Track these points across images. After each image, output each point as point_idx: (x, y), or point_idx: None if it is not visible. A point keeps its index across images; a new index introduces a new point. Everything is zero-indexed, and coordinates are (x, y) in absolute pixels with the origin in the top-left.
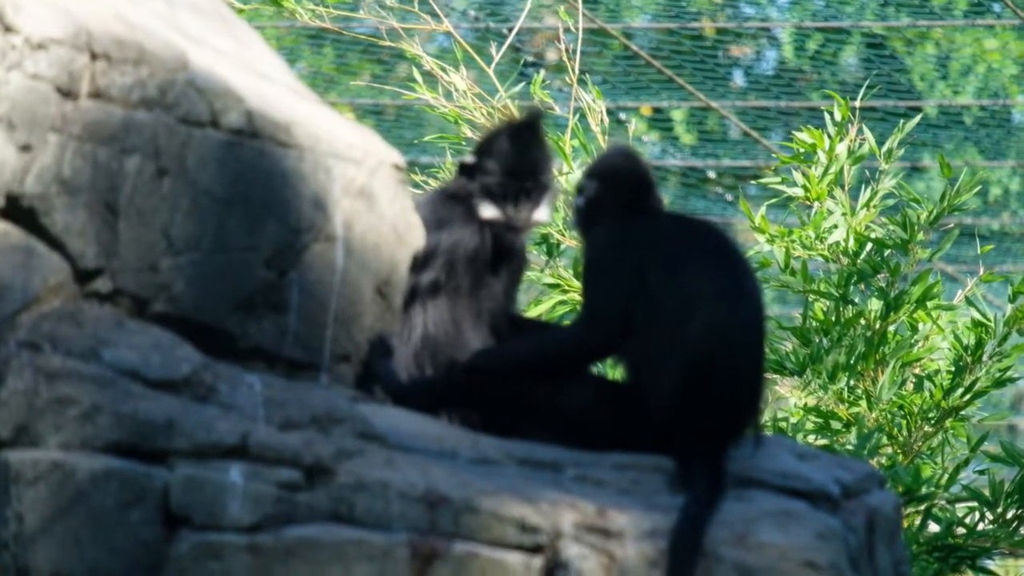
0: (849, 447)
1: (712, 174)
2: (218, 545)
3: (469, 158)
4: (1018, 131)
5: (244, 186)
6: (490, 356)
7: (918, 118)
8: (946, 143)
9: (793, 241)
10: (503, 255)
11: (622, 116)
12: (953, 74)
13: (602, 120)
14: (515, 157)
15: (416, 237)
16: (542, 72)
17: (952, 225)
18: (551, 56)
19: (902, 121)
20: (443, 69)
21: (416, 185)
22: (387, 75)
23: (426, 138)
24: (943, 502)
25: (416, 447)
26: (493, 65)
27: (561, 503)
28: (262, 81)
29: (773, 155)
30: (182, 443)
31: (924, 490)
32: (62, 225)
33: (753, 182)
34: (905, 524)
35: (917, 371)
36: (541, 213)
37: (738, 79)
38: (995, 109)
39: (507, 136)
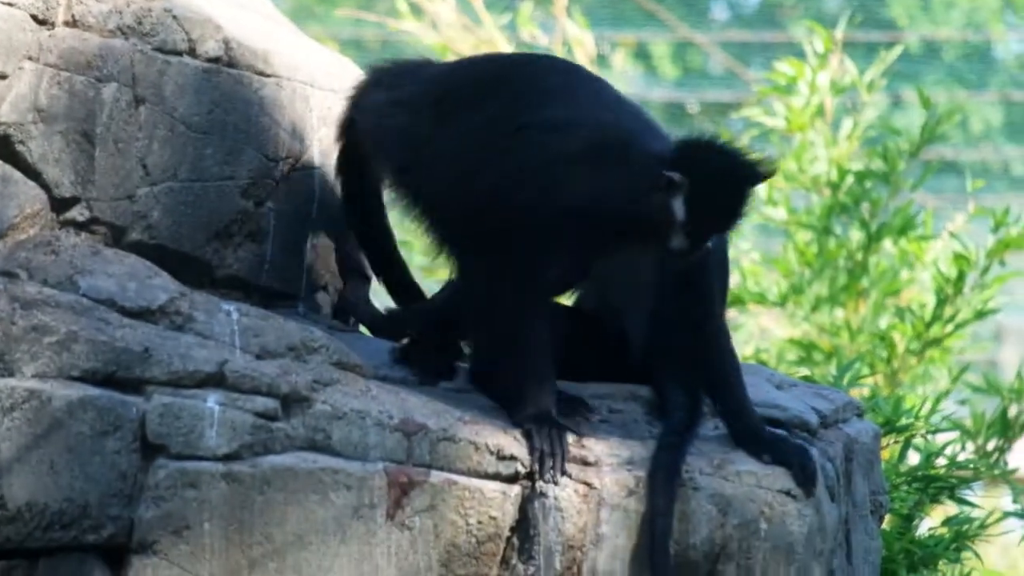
0: (830, 379)
1: (694, 107)
2: (194, 473)
3: None
4: (999, 64)
5: (221, 115)
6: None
7: (900, 49)
8: (927, 76)
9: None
10: None
11: (606, 49)
12: (936, 7)
13: (590, 51)
14: None
15: None
16: (529, 3)
17: (934, 158)
18: None
19: (883, 52)
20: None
21: None
22: (370, 6)
23: None
24: (923, 433)
25: (392, 376)
26: None
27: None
28: (240, 10)
29: (755, 88)
30: (158, 372)
31: (904, 421)
32: (38, 154)
33: (735, 115)
34: (885, 455)
35: (899, 303)
36: None
37: (720, 12)
38: (976, 43)
39: None
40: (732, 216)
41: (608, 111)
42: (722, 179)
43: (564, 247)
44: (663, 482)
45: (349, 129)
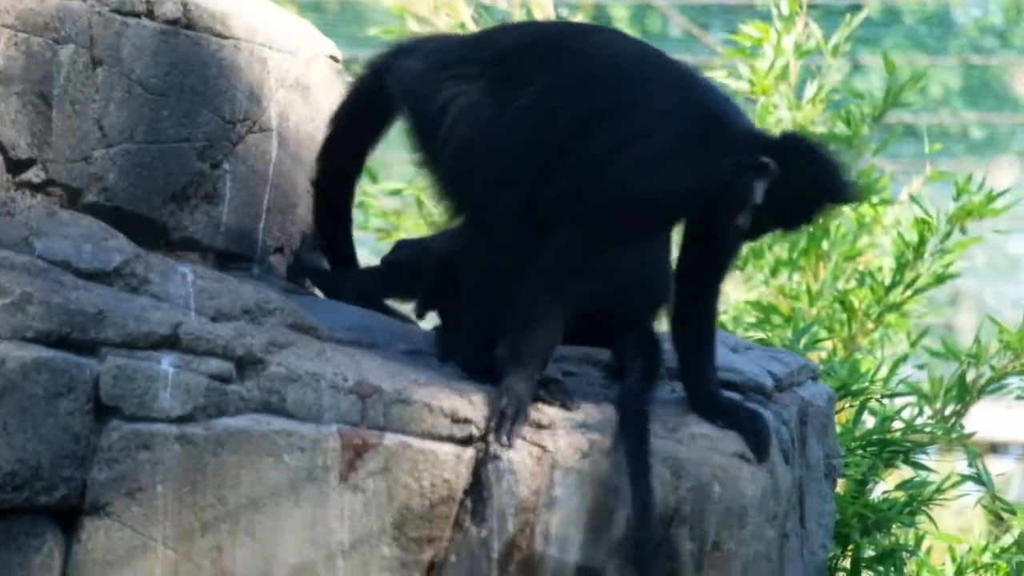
0: (788, 342)
1: None
2: (148, 435)
3: None
4: (958, 29)
5: (179, 77)
6: (408, 250)
7: (865, 12)
8: (886, 40)
9: None
10: None
11: (564, 11)
12: None
13: (548, 13)
14: None
15: None
16: None
17: (894, 122)
18: None
19: (848, 15)
20: None
21: None
22: None
23: (370, 31)
24: (879, 397)
25: (348, 339)
26: None
27: (493, 395)
28: None
29: (715, 52)
30: (113, 333)
31: (859, 385)
32: None
33: None
34: (840, 418)
35: (859, 267)
36: None
37: None
38: (936, 7)
39: None
40: (804, 220)
41: (692, 90)
42: (813, 184)
43: (654, 225)
44: (634, 450)
45: (366, 93)
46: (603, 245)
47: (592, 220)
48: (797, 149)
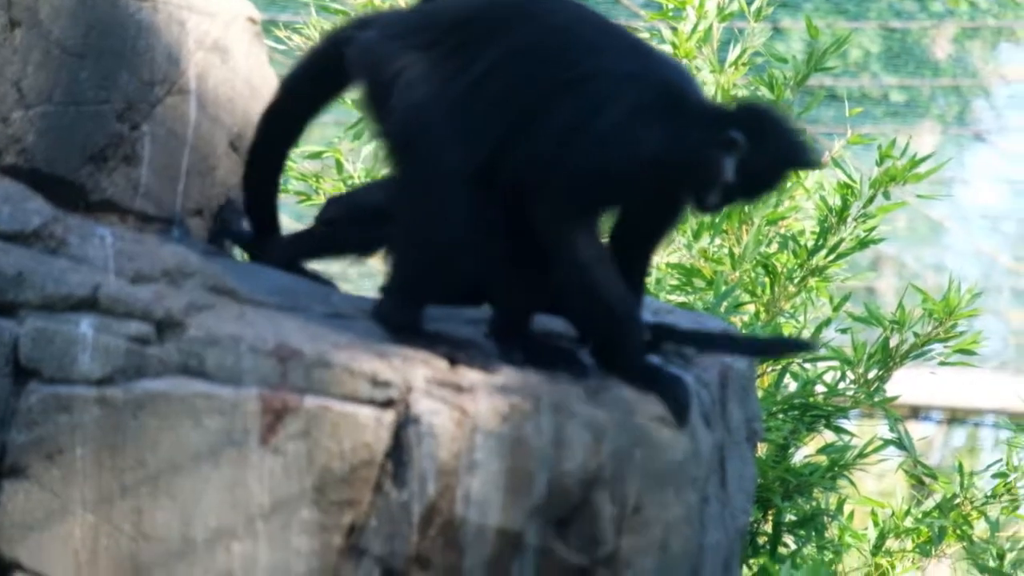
0: (710, 306)
1: None
2: (67, 398)
3: None
4: None
5: (97, 38)
6: (341, 205)
7: None
8: (807, 4)
9: None
10: None
11: None
12: None
13: None
14: None
15: (270, 90)
16: None
17: (815, 86)
18: None
19: None
20: None
21: (279, 41)
22: None
23: None
24: (800, 361)
25: (268, 302)
26: None
27: (414, 358)
28: None
29: (636, 14)
30: (32, 295)
31: None
32: None
33: None
34: (762, 382)
35: (782, 231)
36: None
37: None
38: None
39: None
40: (768, 189)
41: (651, 60)
42: (778, 154)
43: (623, 195)
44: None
45: (323, 62)
46: (576, 216)
47: (562, 191)
48: (760, 120)
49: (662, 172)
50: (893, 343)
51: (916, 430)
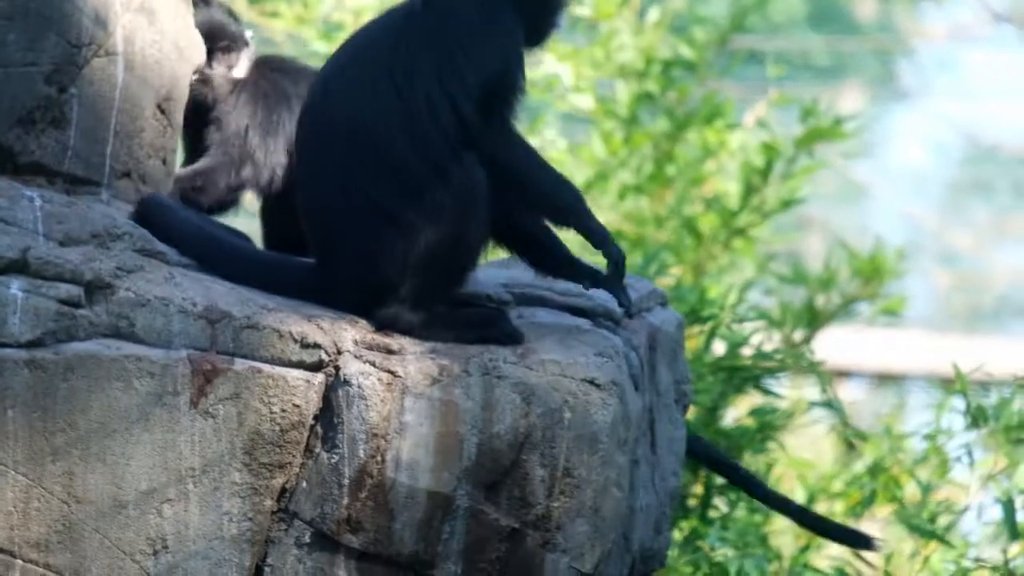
0: (637, 268)
1: None
2: None
3: None
4: None
5: (24, 1)
6: None
7: None
8: None
9: (582, 61)
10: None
11: None
12: None
13: None
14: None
15: (197, 54)
16: None
17: (738, 47)
18: None
19: None
20: None
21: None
22: None
23: None
24: (728, 323)
25: (196, 264)
26: None
27: (342, 320)
28: None
29: None
30: None
31: (709, 311)
32: None
33: None
34: (691, 344)
35: (706, 192)
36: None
37: None
38: None
39: None
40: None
41: None
42: None
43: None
44: None
45: None
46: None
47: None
48: None
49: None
50: (819, 303)
51: (845, 392)
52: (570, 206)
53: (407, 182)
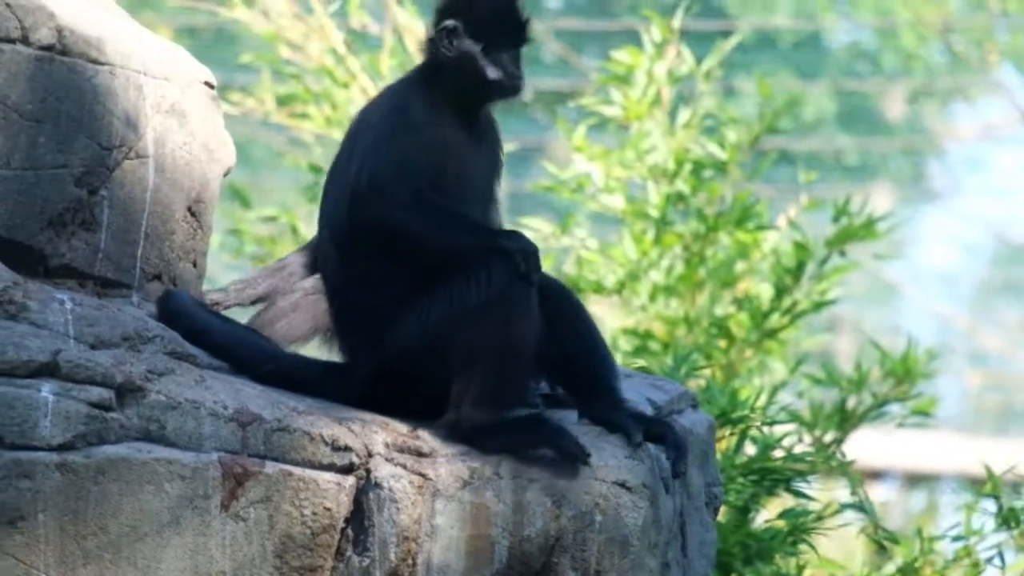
0: (667, 369)
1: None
2: (28, 464)
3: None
4: (830, 54)
5: (55, 103)
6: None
7: (737, 38)
8: (760, 65)
9: (613, 162)
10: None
11: None
12: None
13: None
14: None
15: (228, 156)
16: None
17: (769, 147)
18: None
19: (719, 42)
20: None
21: (234, 105)
22: None
23: (243, 57)
24: (759, 424)
25: (227, 367)
26: None
27: (373, 423)
28: None
29: (590, 76)
30: None
31: (739, 412)
32: None
33: (571, 104)
34: (721, 446)
35: (737, 293)
36: None
37: (554, 1)
38: (808, 32)
39: None
40: (517, 21)
41: None
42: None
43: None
44: None
45: None
46: None
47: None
48: None
49: None
50: (851, 404)
51: (875, 493)
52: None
53: None
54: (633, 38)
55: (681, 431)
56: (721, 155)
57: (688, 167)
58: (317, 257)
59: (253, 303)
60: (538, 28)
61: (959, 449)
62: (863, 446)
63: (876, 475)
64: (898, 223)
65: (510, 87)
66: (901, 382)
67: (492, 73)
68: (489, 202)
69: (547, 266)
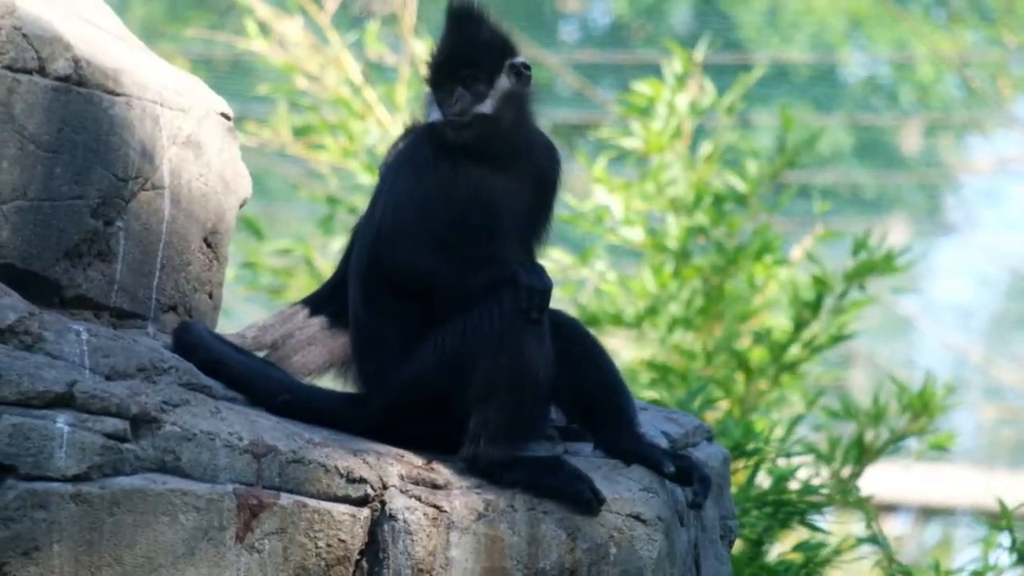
0: (681, 402)
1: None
2: (44, 494)
3: None
4: (846, 88)
5: (71, 134)
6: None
7: (759, 71)
8: (776, 98)
9: (633, 194)
10: None
11: None
12: (784, 28)
13: None
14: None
15: (244, 186)
16: (376, 22)
17: (787, 181)
18: (382, 8)
19: (742, 75)
20: (276, 18)
21: (250, 136)
22: (220, 25)
23: (259, 88)
24: (773, 457)
25: (242, 398)
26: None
27: (388, 455)
28: (90, 28)
29: (607, 108)
30: (7, 392)
31: (754, 445)
32: None
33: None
34: (736, 479)
35: (755, 326)
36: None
37: (569, 33)
38: (824, 65)
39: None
40: (439, 59)
41: None
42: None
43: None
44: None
45: None
46: None
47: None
48: None
49: None
50: (868, 438)
51: (889, 526)
52: None
53: None
54: (649, 71)
55: (698, 464)
56: (742, 187)
57: (709, 199)
58: (331, 300)
59: (269, 348)
60: (553, 61)
61: (974, 482)
62: (877, 479)
63: (890, 508)
64: (916, 258)
65: (440, 128)
66: (919, 416)
67: (432, 115)
68: (524, 232)
69: (565, 297)
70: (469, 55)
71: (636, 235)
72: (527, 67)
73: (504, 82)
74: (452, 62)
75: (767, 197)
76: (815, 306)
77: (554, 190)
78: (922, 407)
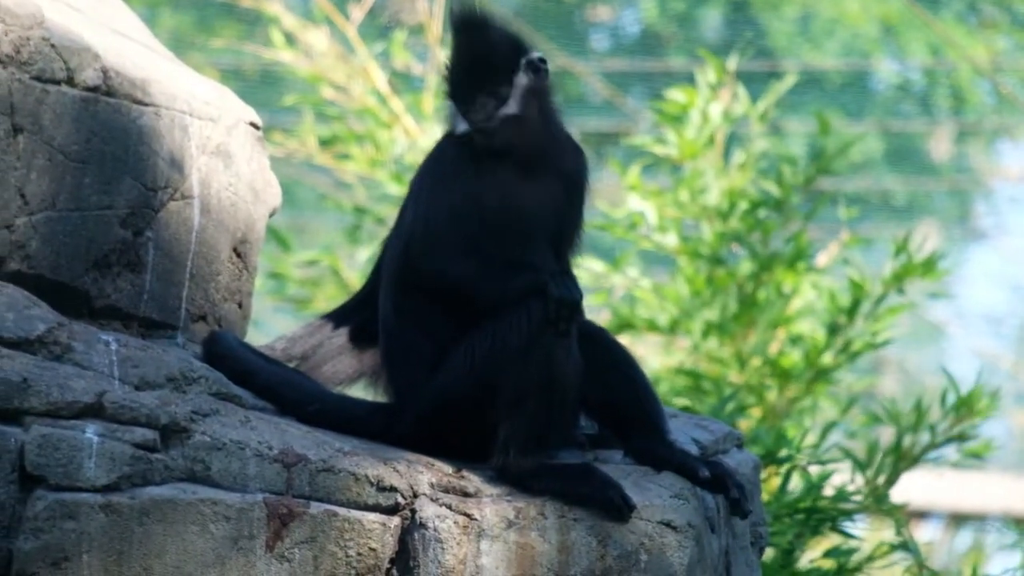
0: (712, 408)
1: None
2: (73, 505)
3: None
4: (878, 94)
5: (100, 144)
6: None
7: (792, 78)
8: (806, 106)
9: (667, 201)
10: None
11: None
12: (816, 36)
13: None
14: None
15: (273, 196)
16: (402, 32)
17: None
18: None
19: (774, 82)
20: (303, 28)
21: (277, 146)
22: (248, 36)
23: (286, 99)
24: (804, 464)
25: (272, 407)
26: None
27: (418, 463)
28: (119, 39)
29: (637, 117)
30: (37, 402)
31: (785, 452)
32: None
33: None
34: (768, 486)
35: (789, 332)
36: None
37: (599, 42)
38: (855, 72)
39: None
40: (455, 71)
41: None
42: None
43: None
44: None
45: None
46: None
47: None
48: None
49: None
50: (906, 443)
51: (920, 532)
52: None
53: None
54: (679, 79)
55: (732, 471)
56: (776, 193)
57: (743, 206)
58: (360, 311)
59: (299, 360)
60: (583, 69)
61: (1004, 489)
62: (908, 486)
63: (920, 515)
64: (955, 263)
65: (470, 136)
66: (962, 419)
67: (459, 126)
68: (555, 236)
69: (598, 304)
70: (484, 61)
71: (671, 241)
72: (543, 60)
73: (523, 80)
74: (469, 71)
75: (801, 204)
76: (851, 311)
77: (583, 192)
78: (968, 410)
